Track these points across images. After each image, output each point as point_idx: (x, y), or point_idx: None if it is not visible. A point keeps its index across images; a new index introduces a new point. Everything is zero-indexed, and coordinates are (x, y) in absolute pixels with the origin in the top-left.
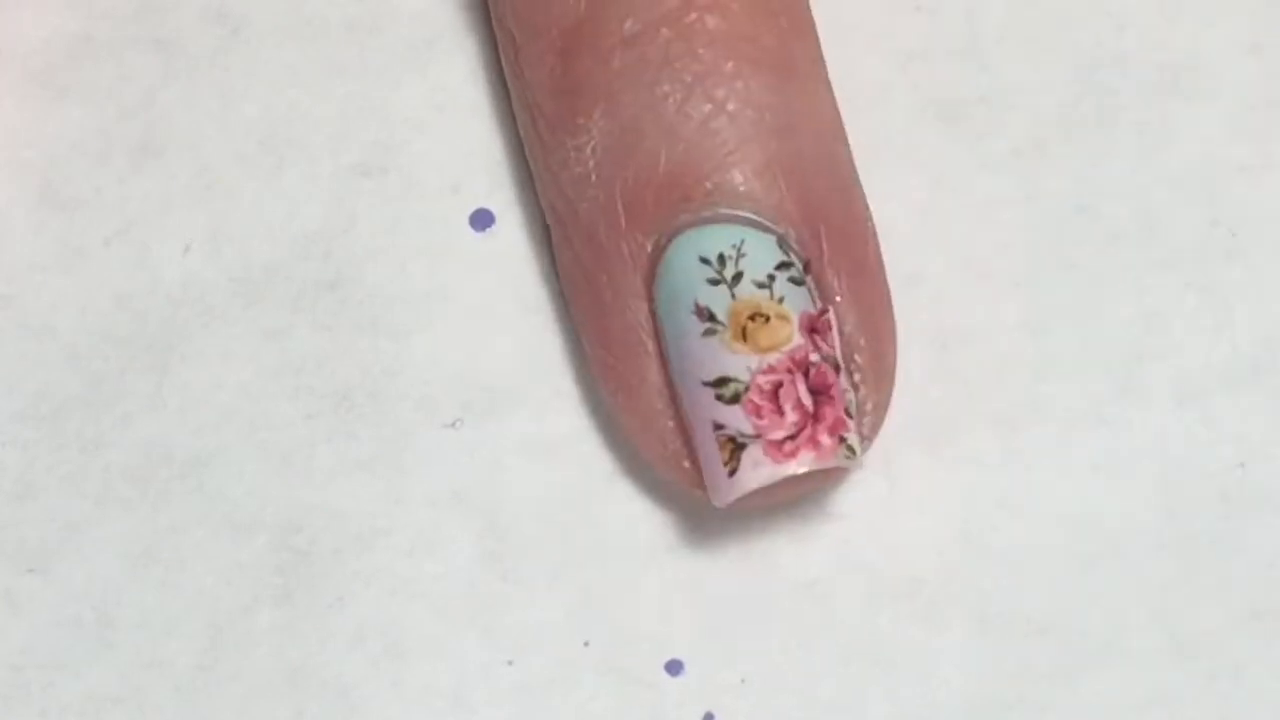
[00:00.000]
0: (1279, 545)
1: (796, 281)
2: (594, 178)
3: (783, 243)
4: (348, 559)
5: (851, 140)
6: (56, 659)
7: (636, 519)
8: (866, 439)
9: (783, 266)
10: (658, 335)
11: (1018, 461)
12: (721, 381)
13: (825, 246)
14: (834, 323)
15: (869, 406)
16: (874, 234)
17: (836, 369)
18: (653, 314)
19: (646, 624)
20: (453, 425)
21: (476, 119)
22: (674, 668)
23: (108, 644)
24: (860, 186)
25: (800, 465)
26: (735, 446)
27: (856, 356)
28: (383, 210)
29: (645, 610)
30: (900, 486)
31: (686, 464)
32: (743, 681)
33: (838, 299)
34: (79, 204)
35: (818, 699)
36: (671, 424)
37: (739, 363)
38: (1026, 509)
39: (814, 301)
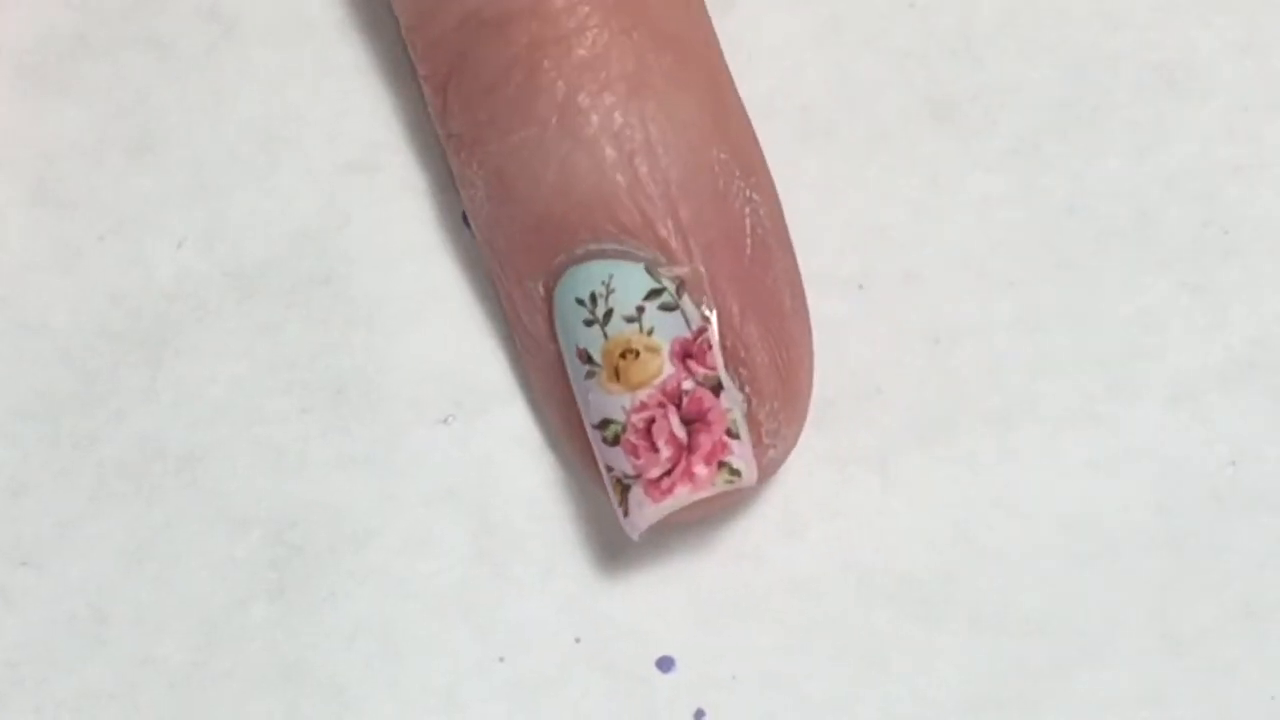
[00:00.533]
0: (1271, 544)
1: (668, 307)
2: (489, 224)
3: (651, 269)
4: (341, 555)
5: (844, 137)
6: (51, 655)
7: None
8: (770, 446)
9: (652, 295)
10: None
11: (1012, 460)
12: (604, 424)
13: (704, 263)
14: (713, 340)
15: (772, 423)
16: (755, 230)
17: (716, 389)
18: (559, 352)
19: (638, 621)
20: (445, 422)
21: None
22: (665, 664)
23: (102, 640)
24: (742, 183)
25: (677, 501)
26: (622, 488)
27: (743, 370)
28: (376, 207)
29: (637, 607)
30: (894, 484)
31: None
32: (734, 678)
33: (722, 313)
34: (73, 202)
35: (809, 697)
36: (593, 458)
37: (615, 404)
38: (1020, 507)
39: (689, 323)
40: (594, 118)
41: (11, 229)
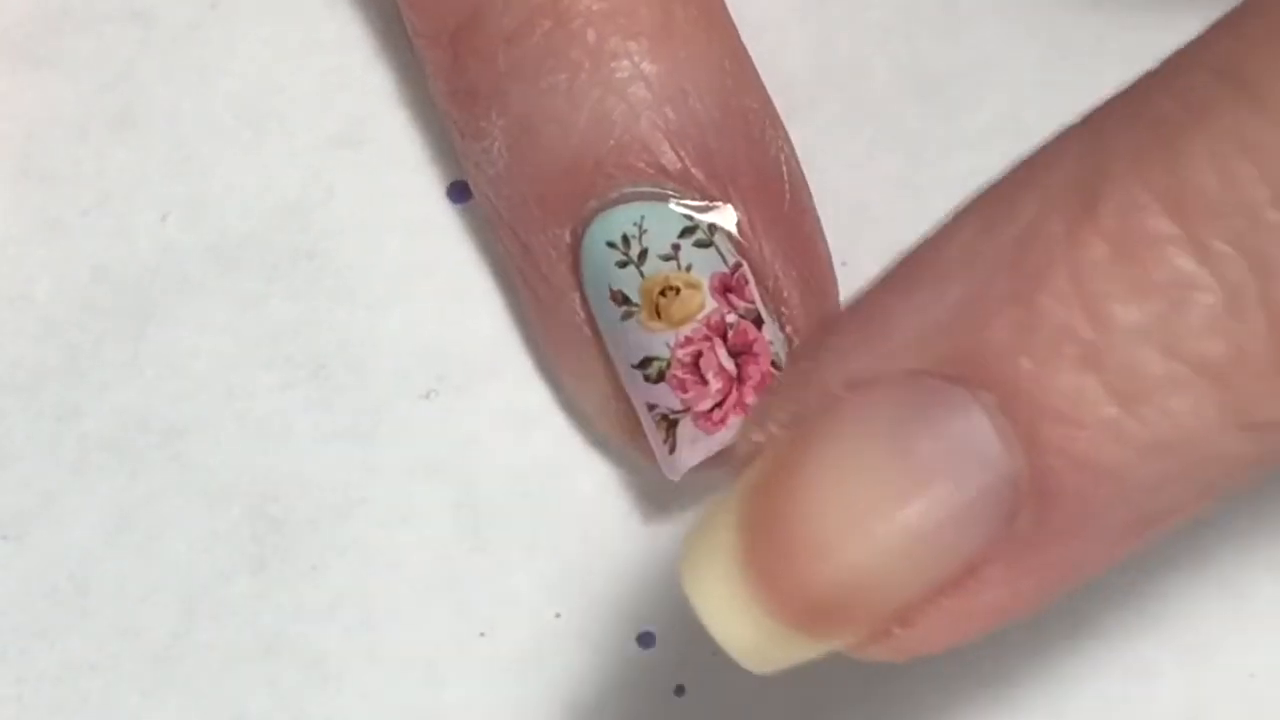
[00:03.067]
0: (1252, 520)
1: (703, 244)
2: (504, 177)
3: (683, 208)
4: (323, 528)
5: (828, 114)
6: (32, 627)
7: (611, 492)
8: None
9: (686, 233)
10: (593, 323)
11: None
12: (646, 362)
13: (739, 206)
14: (749, 276)
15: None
16: (791, 177)
17: (758, 322)
18: (584, 300)
19: (619, 597)
20: (428, 396)
21: None
22: (646, 640)
23: (83, 611)
24: (774, 138)
25: (731, 429)
26: (669, 424)
27: (785, 310)
28: (360, 182)
29: (618, 583)
30: None
31: (640, 441)
32: (714, 655)
33: (760, 254)
34: (57, 175)
35: (787, 674)
36: (623, 405)
37: (657, 340)
38: None
39: (725, 259)
40: (625, 63)
41: None
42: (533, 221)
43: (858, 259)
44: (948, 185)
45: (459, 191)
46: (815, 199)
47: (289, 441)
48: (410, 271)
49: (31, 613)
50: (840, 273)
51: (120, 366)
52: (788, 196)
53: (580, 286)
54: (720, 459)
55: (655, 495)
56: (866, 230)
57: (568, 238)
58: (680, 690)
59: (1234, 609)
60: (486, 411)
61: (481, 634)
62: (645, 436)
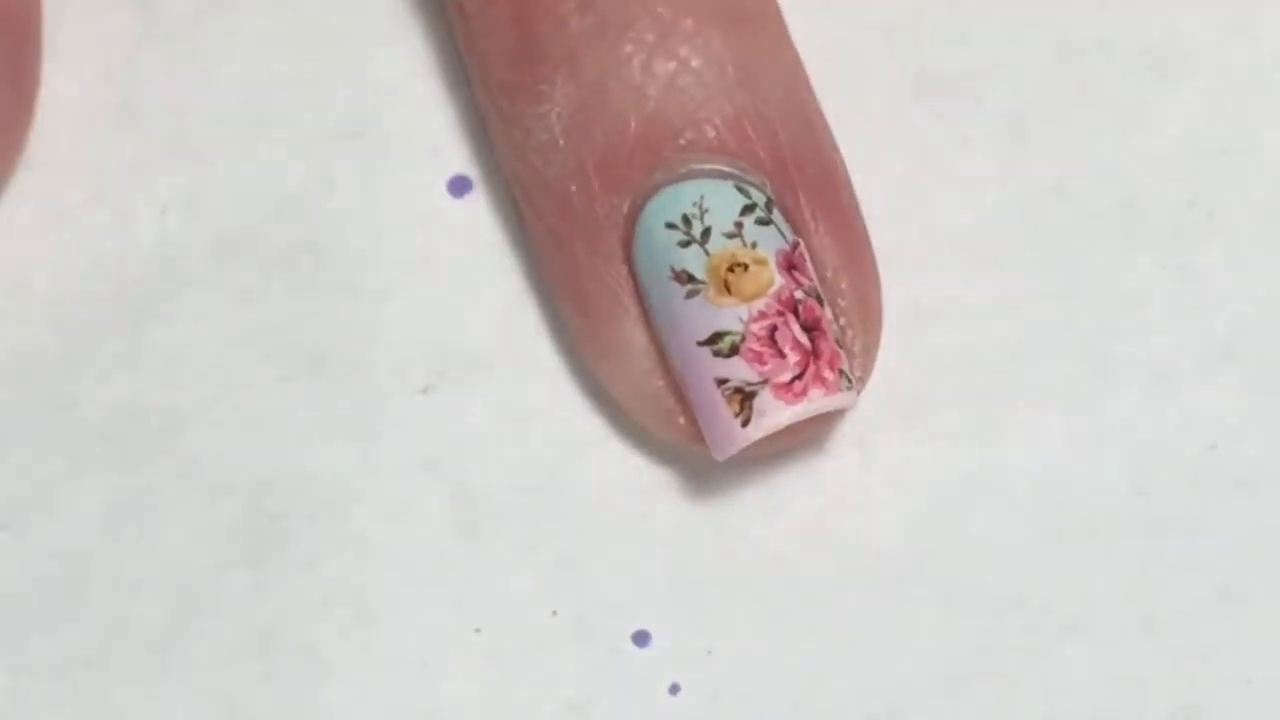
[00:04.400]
0: (1248, 526)
1: (764, 222)
2: (562, 143)
3: (742, 186)
4: (319, 523)
5: (830, 113)
6: (28, 617)
7: (608, 489)
8: (860, 380)
9: (746, 210)
10: (638, 296)
11: (992, 439)
12: (716, 337)
13: (801, 194)
14: (806, 254)
15: (858, 348)
16: (847, 178)
17: (820, 300)
18: (632, 275)
19: (615, 594)
20: (426, 391)
21: (456, 85)
22: (641, 639)
23: (79, 603)
24: (829, 131)
25: (813, 402)
26: (744, 396)
27: (840, 300)
28: (361, 175)
29: (614, 580)
30: (873, 461)
31: (681, 420)
32: (709, 653)
33: (817, 241)
34: (58, 165)
35: (784, 672)
36: (662, 383)
37: (729, 315)
38: (999, 486)
39: (785, 236)
40: (700, 43)
41: None
42: (588, 189)
43: None
44: (949, 187)
45: (460, 185)
46: None
47: (287, 435)
48: (410, 265)
49: (27, 604)
50: None
51: (119, 358)
52: (845, 191)
53: (628, 259)
54: (769, 442)
55: (653, 493)
56: (870, 230)
57: (625, 208)
58: (675, 689)
59: (1230, 616)
60: (485, 407)
61: (477, 630)
62: (680, 414)
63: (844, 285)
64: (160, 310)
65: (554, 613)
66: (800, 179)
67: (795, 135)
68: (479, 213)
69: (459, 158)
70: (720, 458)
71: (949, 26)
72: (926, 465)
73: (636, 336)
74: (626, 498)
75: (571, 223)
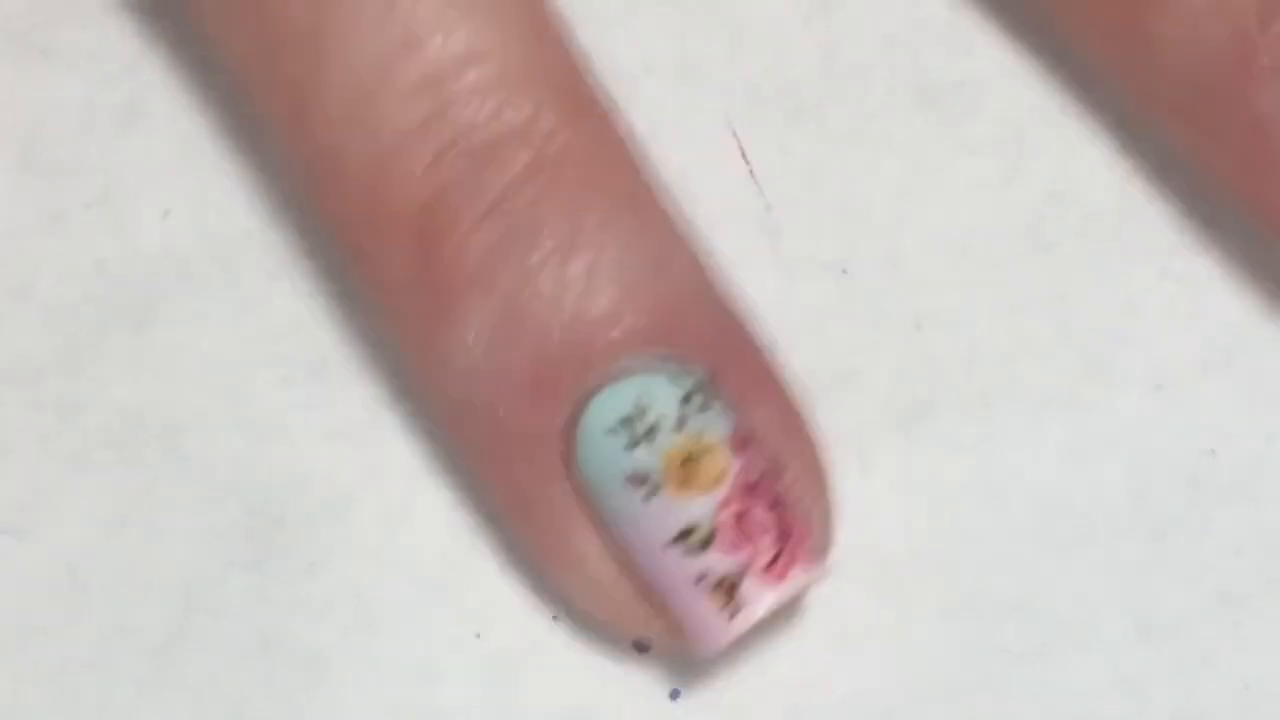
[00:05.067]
0: (1247, 531)
1: (705, 408)
2: (483, 365)
3: (675, 377)
4: (320, 527)
5: (831, 122)
6: (29, 622)
7: None
8: (824, 547)
9: (686, 400)
10: (588, 507)
11: (990, 444)
12: (686, 534)
13: (733, 371)
14: (750, 431)
15: (817, 516)
16: (764, 343)
17: (778, 474)
18: (576, 487)
19: None
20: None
21: None
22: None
23: (80, 608)
24: (735, 299)
25: (798, 578)
26: (728, 587)
27: (789, 472)
28: None
29: None
30: (872, 467)
31: (657, 624)
32: (709, 659)
33: (758, 417)
34: (60, 168)
35: (783, 679)
36: (631, 589)
37: (694, 509)
38: (998, 491)
39: (729, 419)
40: (609, 235)
41: None
42: (520, 408)
43: (859, 266)
44: (948, 193)
45: None
46: (818, 206)
47: (288, 439)
48: None
49: (27, 608)
50: (841, 280)
51: (121, 362)
52: (769, 359)
53: (571, 471)
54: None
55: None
56: (868, 238)
57: (561, 421)
58: (675, 694)
59: (1229, 621)
60: None
61: (478, 635)
62: (655, 616)
63: (792, 458)
64: (162, 313)
65: (554, 617)
66: (730, 356)
67: (716, 312)
68: None
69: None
70: (709, 656)
71: (949, 35)
72: (926, 471)
73: (593, 547)
74: None
75: (506, 445)
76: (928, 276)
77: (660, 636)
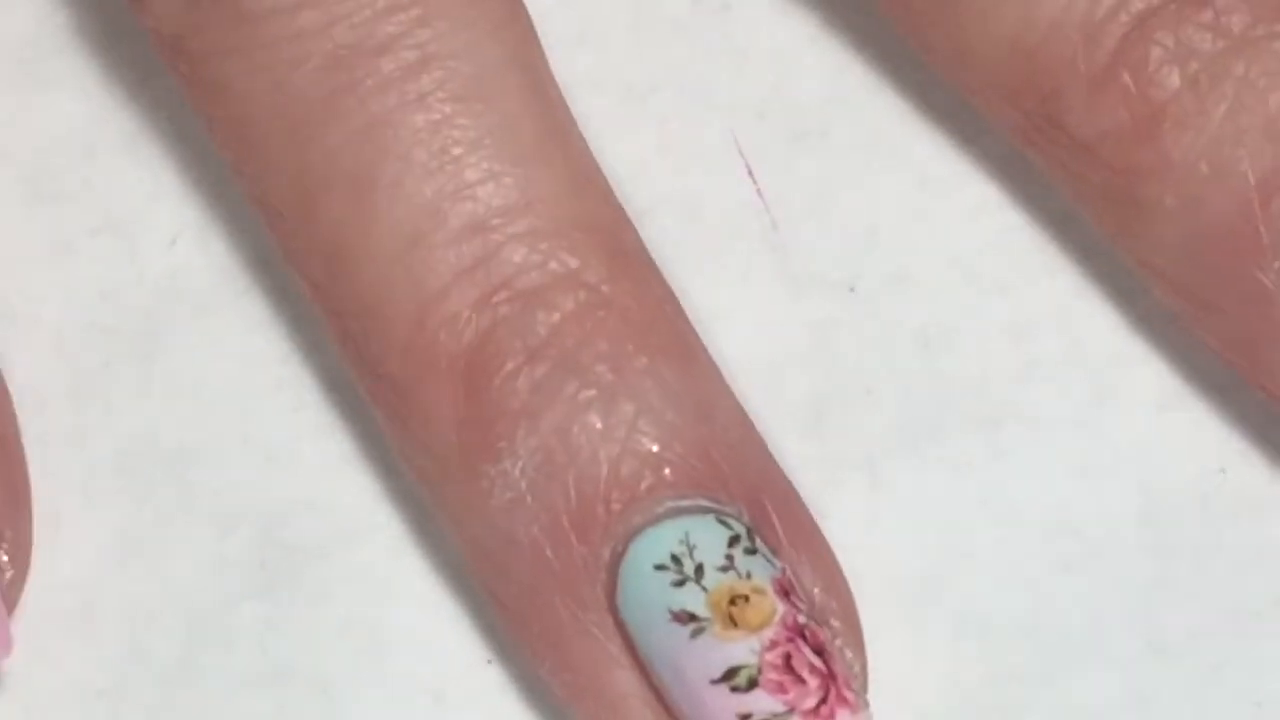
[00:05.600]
0: (1257, 549)
1: (751, 551)
2: (529, 499)
3: (722, 519)
4: (331, 554)
5: (839, 140)
6: (38, 650)
7: None
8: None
9: (733, 542)
10: (628, 644)
11: (1000, 463)
12: (732, 673)
13: (775, 519)
14: (794, 578)
15: (856, 668)
16: (799, 496)
17: (821, 620)
18: (618, 625)
19: None
20: None
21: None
22: None
23: (90, 635)
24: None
25: None
26: None
27: (833, 621)
28: None
29: None
30: (882, 486)
31: None
32: None
33: (798, 565)
34: (66, 196)
35: None
36: None
37: (741, 649)
38: (1008, 511)
39: (772, 563)
40: (654, 380)
41: (3, 222)
42: (564, 543)
43: (866, 284)
44: (956, 212)
45: None
46: (825, 225)
47: (298, 466)
48: None
49: (38, 637)
50: (849, 298)
51: (129, 389)
52: (807, 511)
53: (613, 608)
54: None
55: None
56: (876, 256)
57: (606, 556)
58: None
59: (1239, 639)
60: None
61: (489, 661)
62: None
63: (833, 604)
64: (170, 341)
65: None
66: (772, 503)
67: (757, 459)
68: None
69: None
70: None
71: None
72: (935, 491)
73: (634, 687)
74: None
75: (549, 578)
76: (936, 295)
77: None
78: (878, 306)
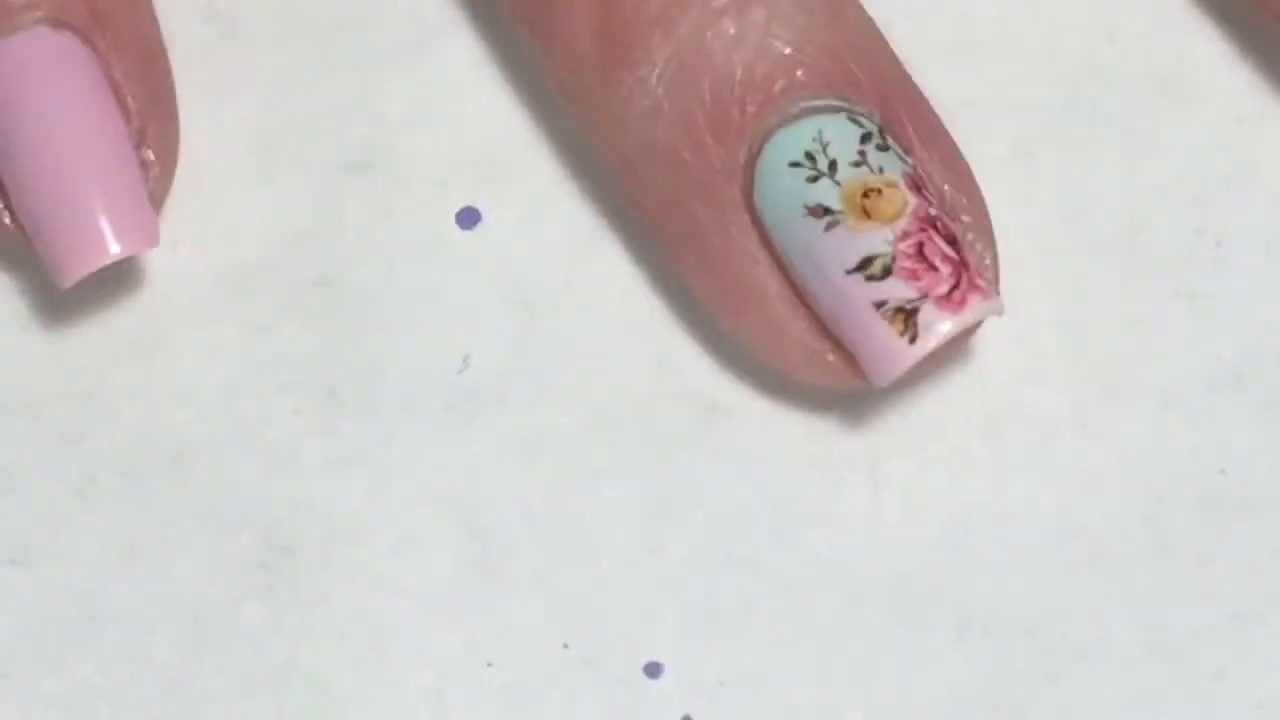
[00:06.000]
0: (1258, 549)
1: (883, 148)
2: (666, 105)
3: (854, 117)
4: (331, 556)
5: None
6: (39, 652)
7: (618, 520)
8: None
9: (865, 139)
10: (766, 243)
11: (1001, 464)
12: (867, 262)
13: (905, 118)
14: (925, 174)
15: (988, 260)
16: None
17: (952, 213)
18: (755, 223)
19: (627, 626)
20: (436, 424)
21: (465, 117)
22: (653, 670)
23: (91, 638)
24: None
25: (974, 309)
26: (906, 314)
27: (964, 216)
28: (371, 208)
29: (626, 612)
30: (884, 488)
31: (831, 358)
32: (721, 684)
33: (928, 163)
34: None
35: (798, 702)
36: (805, 324)
37: (874, 239)
38: (1010, 512)
39: (904, 159)
40: None
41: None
42: (701, 145)
43: None
44: None
45: (469, 216)
46: None
47: (298, 468)
48: (420, 298)
49: (38, 638)
50: None
51: (129, 391)
52: (934, 112)
53: (750, 208)
54: (933, 356)
55: (664, 524)
56: None
57: (742, 157)
58: None
59: (1241, 639)
60: (495, 438)
61: (489, 664)
62: (830, 351)
63: (963, 201)
64: (171, 344)
65: (565, 645)
66: (902, 104)
67: (887, 62)
68: (489, 244)
69: (468, 189)
70: (884, 383)
71: (958, 55)
72: (937, 492)
73: (772, 283)
74: (637, 528)
75: (688, 182)
76: None
77: (834, 373)
78: None
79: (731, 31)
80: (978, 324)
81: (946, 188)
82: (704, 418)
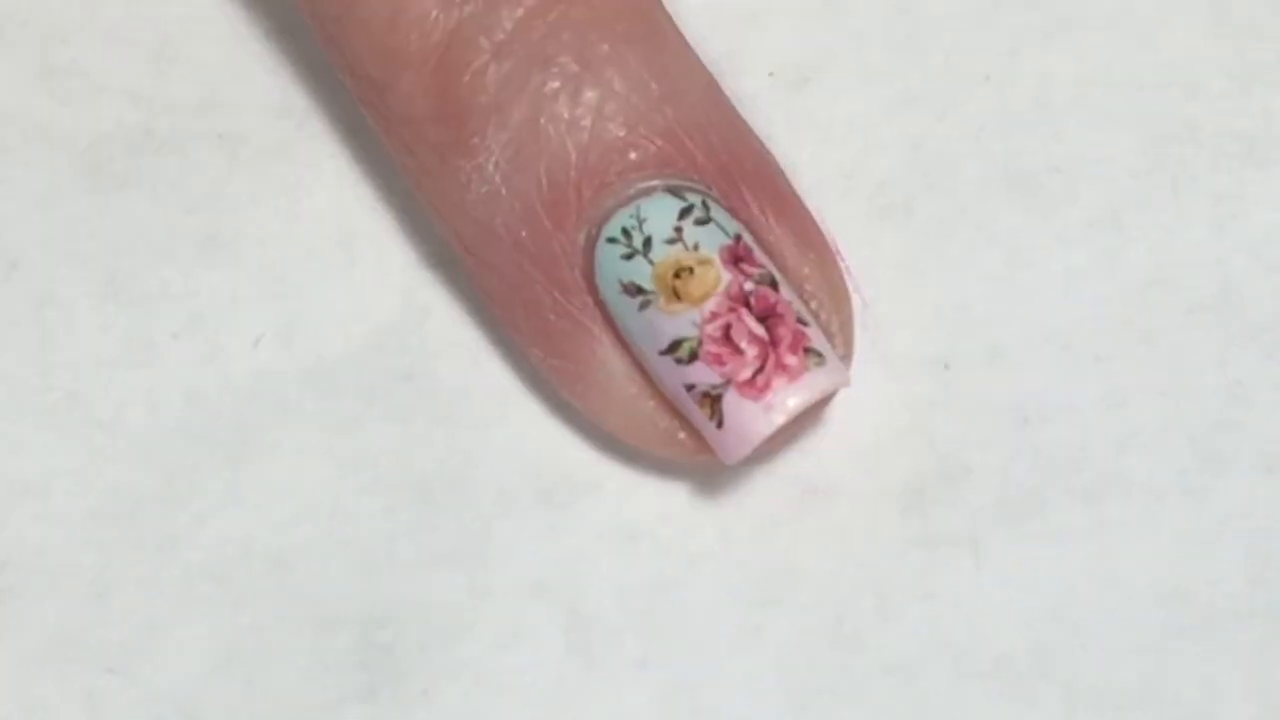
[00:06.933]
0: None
1: (702, 221)
2: (504, 191)
3: (677, 191)
4: (432, 653)
5: (922, 212)
6: None
7: (722, 603)
8: (845, 357)
9: (684, 213)
10: (609, 323)
11: (1104, 535)
12: (675, 345)
13: (745, 190)
14: (752, 243)
15: (835, 327)
16: (780, 167)
17: (774, 285)
18: (599, 304)
19: (733, 709)
20: (531, 515)
21: None
22: None
23: None
24: (748, 125)
25: (778, 395)
26: (712, 400)
27: (806, 285)
28: (455, 301)
29: (731, 695)
30: (986, 563)
31: (682, 435)
32: None
33: (771, 234)
34: (145, 297)
35: None
36: (653, 403)
37: (683, 321)
38: (1113, 582)
39: (726, 231)
40: (619, 67)
41: (82, 324)
42: (540, 230)
43: (960, 361)
44: (1047, 283)
45: None
46: (915, 301)
47: (394, 566)
48: (509, 390)
49: None
50: (943, 375)
51: (219, 494)
52: (784, 180)
53: (592, 289)
54: (770, 440)
55: (768, 605)
56: (967, 331)
57: (582, 240)
58: None
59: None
60: (593, 527)
61: None
62: (680, 428)
63: (806, 270)
64: (258, 444)
65: None
66: (742, 176)
67: (727, 136)
68: None
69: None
70: (734, 462)
71: (1038, 120)
72: (1040, 564)
73: (615, 362)
74: (739, 610)
75: (529, 266)
76: (1031, 368)
77: (685, 449)
78: (974, 383)
79: (565, 115)
80: (827, 396)
81: (791, 259)
82: (800, 498)
